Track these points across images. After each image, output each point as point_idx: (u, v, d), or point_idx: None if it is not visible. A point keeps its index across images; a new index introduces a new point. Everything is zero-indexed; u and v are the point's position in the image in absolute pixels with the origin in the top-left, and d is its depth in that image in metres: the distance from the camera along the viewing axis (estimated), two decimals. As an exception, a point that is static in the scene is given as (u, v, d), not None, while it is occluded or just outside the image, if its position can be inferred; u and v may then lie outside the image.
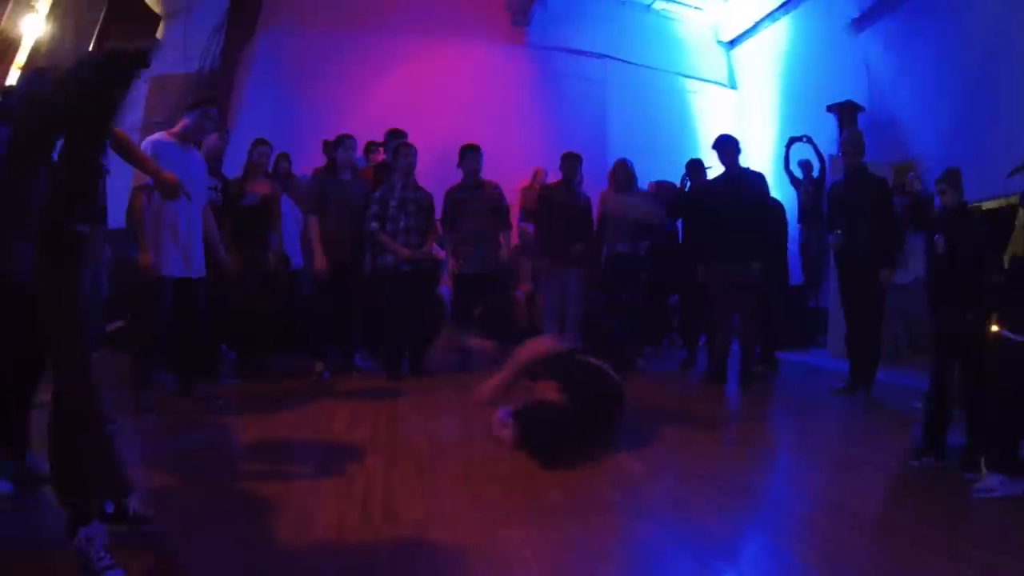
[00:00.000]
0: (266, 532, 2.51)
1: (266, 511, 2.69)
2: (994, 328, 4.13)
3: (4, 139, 2.85)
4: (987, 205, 5.30)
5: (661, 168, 7.00)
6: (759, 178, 5.68)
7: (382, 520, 2.59)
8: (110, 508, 2.51)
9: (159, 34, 6.53)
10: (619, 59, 10.08)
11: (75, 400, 2.24)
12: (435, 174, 6.42)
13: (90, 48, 5.71)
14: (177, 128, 4.31)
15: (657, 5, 10.27)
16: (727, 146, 5.61)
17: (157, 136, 4.22)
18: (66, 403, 2.23)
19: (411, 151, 5.80)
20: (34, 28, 5.43)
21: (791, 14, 9.49)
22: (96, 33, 5.81)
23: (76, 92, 2.31)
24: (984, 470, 3.73)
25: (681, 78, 10.53)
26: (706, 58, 10.85)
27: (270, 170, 5.89)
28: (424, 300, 5.73)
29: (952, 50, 6.99)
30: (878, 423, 4.97)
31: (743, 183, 5.55)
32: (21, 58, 5.30)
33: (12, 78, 5.17)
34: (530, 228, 7.39)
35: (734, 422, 5.04)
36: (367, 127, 6.63)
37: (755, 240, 5.39)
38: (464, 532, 2.52)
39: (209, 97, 5.03)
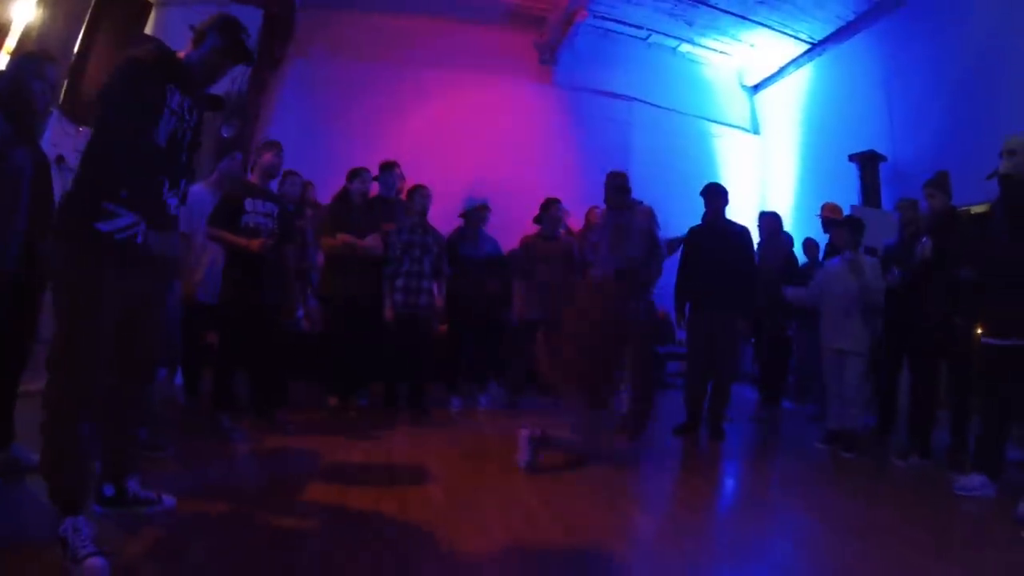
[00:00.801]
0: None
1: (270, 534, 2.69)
2: (979, 331, 4.15)
3: None
4: (976, 210, 5.29)
5: (682, 211, 6.99)
6: (743, 233, 5.57)
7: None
8: (110, 491, 2.60)
9: (150, 24, 6.51)
10: (644, 101, 10.18)
11: (62, 396, 2.26)
12: (458, 207, 6.48)
13: (80, 35, 5.72)
14: (213, 178, 5.04)
15: (683, 49, 10.36)
16: (715, 195, 5.53)
17: (197, 188, 4.62)
18: (54, 398, 2.26)
19: (426, 194, 5.79)
20: (24, 13, 5.35)
21: (815, 61, 9.58)
22: (87, 19, 5.83)
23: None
24: (968, 469, 3.87)
25: (704, 121, 10.60)
26: (730, 102, 10.93)
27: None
28: (417, 344, 5.65)
29: (950, 53, 7.10)
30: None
31: (727, 236, 5.46)
32: (11, 43, 5.31)
33: (1, 63, 5.20)
34: None
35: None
36: (392, 157, 6.66)
37: (736, 296, 5.28)
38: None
39: (233, 142, 5.24)
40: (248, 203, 4.48)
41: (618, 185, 5.44)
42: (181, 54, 2.61)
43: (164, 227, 2.53)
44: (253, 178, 4.70)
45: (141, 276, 2.48)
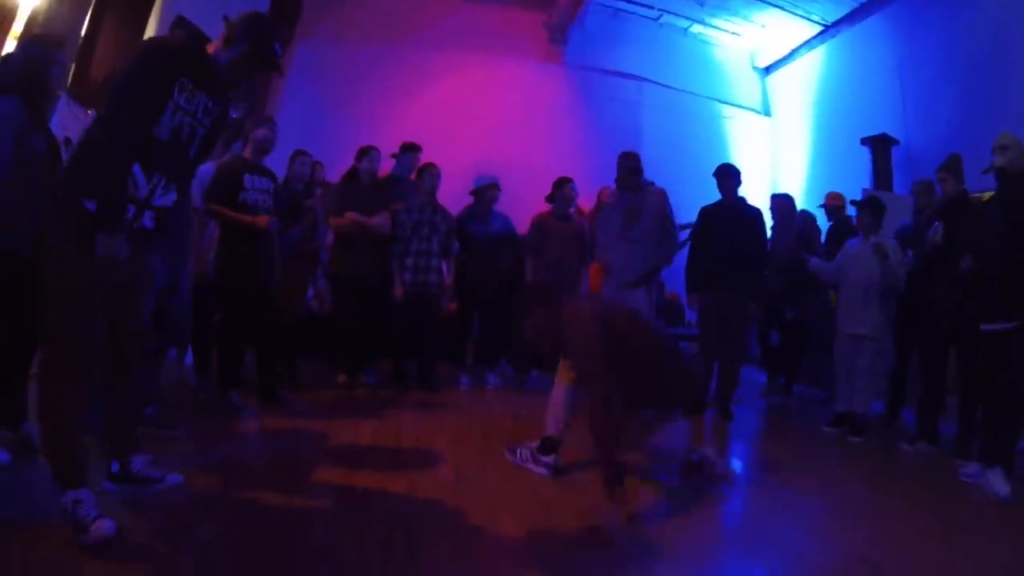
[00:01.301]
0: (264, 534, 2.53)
1: (275, 519, 2.71)
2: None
3: (3, 112, 2.91)
4: (988, 196, 5.23)
5: (693, 193, 6.94)
6: (756, 215, 5.53)
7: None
8: (115, 468, 2.65)
9: (157, 5, 6.42)
10: (655, 81, 10.08)
11: (57, 374, 2.30)
12: (467, 188, 6.46)
13: (87, 18, 5.66)
14: (226, 159, 4.72)
15: (694, 29, 10.25)
16: (727, 175, 5.50)
17: (207, 167, 4.43)
18: (49, 376, 2.31)
19: (435, 173, 5.81)
20: (30, -3, 5.26)
21: (828, 43, 9.46)
22: (93, 1, 5.79)
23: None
24: (978, 462, 3.82)
25: (715, 103, 10.51)
26: (741, 84, 10.83)
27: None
28: (425, 322, 5.73)
29: (963, 37, 7.01)
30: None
31: (740, 217, 5.43)
32: (18, 27, 5.29)
33: (9, 46, 5.19)
34: None
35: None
36: (400, 139, 6.65)
37: (750, 278, 5.28)
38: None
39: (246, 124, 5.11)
40: (247, 179, 4.44)
41: (631, 167, 5.40)
42: (211, 47, 2.58)
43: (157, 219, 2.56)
44: (246, 153, 4.62)
45: (132, 256, 2.45)
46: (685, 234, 6.08)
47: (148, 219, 2.53)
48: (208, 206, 4.41)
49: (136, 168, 2.41)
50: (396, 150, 6.41)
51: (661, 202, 5.36)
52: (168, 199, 2.58)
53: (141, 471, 2.74)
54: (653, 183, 5.56)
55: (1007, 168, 3.84)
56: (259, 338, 4.67)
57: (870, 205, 5.10)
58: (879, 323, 4.90)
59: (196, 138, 2.59)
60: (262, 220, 4.37)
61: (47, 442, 2.32)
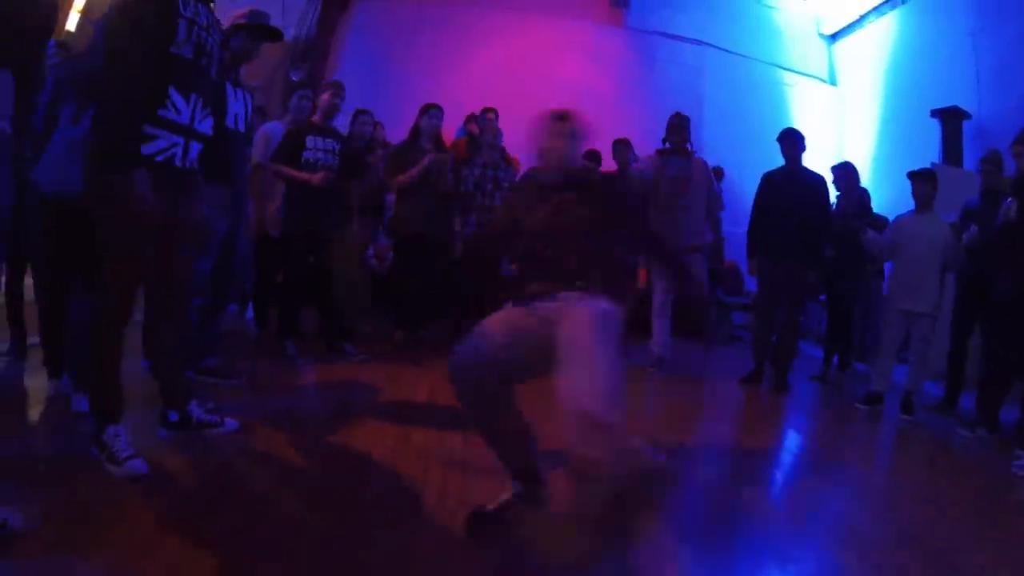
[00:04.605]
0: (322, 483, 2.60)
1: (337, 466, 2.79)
2: None
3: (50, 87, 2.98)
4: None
5: (753, 160, 6.82)
6: (820, 183, 5.36)
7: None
8: (175, 417, 2.76)
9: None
10: (717, 47, 9.88)
11: (107, 315, 2.38)
12: (526, 150, 6.41)
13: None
14: (287, 118, 5.14)
15: (759, -7, 9.99)
16: (791, 140, 5.34)
17: (272, 125, 5.08)
18: (100, 317, 2.39)
19: (494, 131, 5.87)
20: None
21: (898, 9, 9.09)
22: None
23: None
24: None
25: (779, 70, 10.25)
26: (806, 51, 10.52)
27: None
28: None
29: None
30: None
31: (804, 184, 5.28)
32: (79, 2, 5.29)
33: (72, 23, 5.20)
34: None
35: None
36: (460, 99, 6.68)
37: (811, 248, 5.16)
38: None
39: (301, 82, 5.30)
40: (309, 140, 4.69)
41: (679, 124, 5.45)
42: None
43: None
44: (316, 118, 4.88)
45: (179, 199, 2.52)
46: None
47: (194, 154, 2.54)
48: (271, 166, 4.71)
49: (172, 91, 2.39)
50: (455, 111, 6.49)
51: (708, 172, 5.40)
52: (207, 125, 2.58)
53: (201, 416, 2.86)
54: (696, 152, 5.55)
55: None
56: (318, 287, 4.86)
57: (932, 177, 4.94)
58: (934, 299, 4.76)
59: (214, 58, 2.57)
60: (316, 177, 4.58)
61: (92, 378, 2.43)
